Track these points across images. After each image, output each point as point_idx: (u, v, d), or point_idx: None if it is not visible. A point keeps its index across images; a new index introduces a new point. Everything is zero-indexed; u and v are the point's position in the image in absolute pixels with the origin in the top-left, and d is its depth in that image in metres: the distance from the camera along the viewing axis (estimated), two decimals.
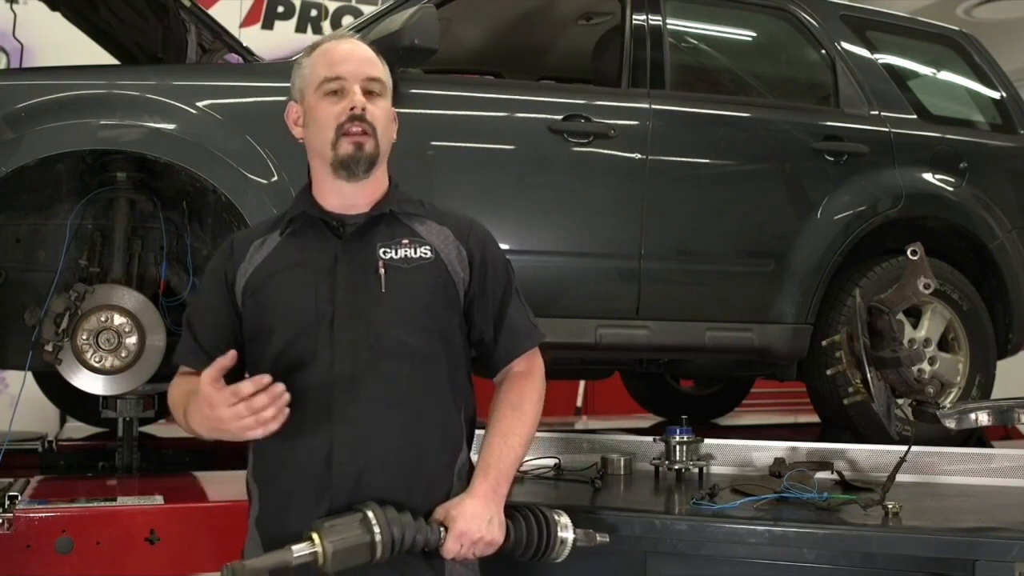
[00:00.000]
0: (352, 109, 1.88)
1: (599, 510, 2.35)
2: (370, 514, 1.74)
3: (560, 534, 1.95)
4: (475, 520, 1.82)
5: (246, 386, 1.68)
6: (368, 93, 1.91)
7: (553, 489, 2.73)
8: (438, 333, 1.91)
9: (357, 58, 1.94)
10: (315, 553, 1.70)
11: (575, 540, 1.96)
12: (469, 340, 2.00)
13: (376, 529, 1.73)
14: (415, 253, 1.92)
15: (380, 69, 1.96)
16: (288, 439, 1.82)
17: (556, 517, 1.96)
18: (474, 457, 1.97)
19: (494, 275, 1.99)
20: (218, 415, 1.71)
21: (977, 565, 1.99)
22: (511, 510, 1.92)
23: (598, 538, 2.02)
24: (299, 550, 1.70)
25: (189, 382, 1.92)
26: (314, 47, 1.99)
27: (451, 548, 1.81)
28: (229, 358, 1.73)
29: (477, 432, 2.00)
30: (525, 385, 1.98)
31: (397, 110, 2.03)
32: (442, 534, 1.81)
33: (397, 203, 1.97)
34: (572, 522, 1.98)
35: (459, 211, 2.06)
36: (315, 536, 1.71)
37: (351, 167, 1.89)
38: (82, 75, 2.99)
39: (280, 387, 1.70)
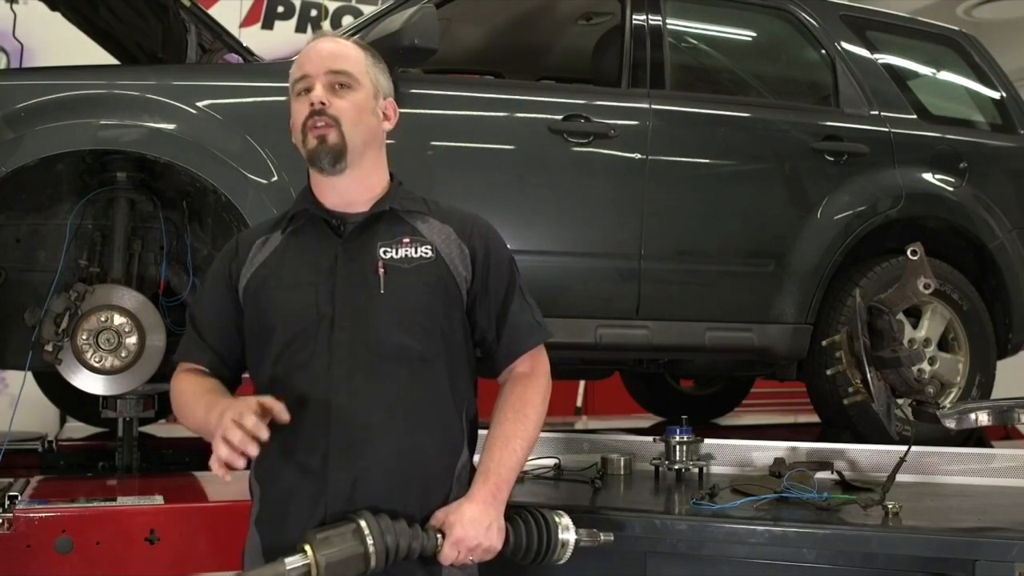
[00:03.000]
0: (311, 105, 1.88)
1: (599, 510, 2.35)
2: (363, 524, 1.72)
3: (561, 536, 1.93)
4: (472, 526, 1.80)
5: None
6: (337, 87, 1.90)
7: (553, 489, 2.73)
8: (438, 334, 1.90)
9: (324, 54, 1.93)
10: (308, 565, 1.69)
11: (577, 541, 1.95)
12: (472, 339, 1.99)
13: (369, 540, 1.71)
14: (415, 252, 1.91)
15: (351, 61, 1.93)
16: (287, 440, 1.82)
17: (556, 519, 1.94)
18: (476, 459, 1.95)
19: (496, 273, 1.97)
20: (223, 422, 1.70)
21: (977, 565, 1.99)
22: (511, 513, 1.90)
23: (602, 537, 2.00)
24: (292, 563, 1.69)
25: (202, 382, 1.93)
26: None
27: (448, 555, 1.80)
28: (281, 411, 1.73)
29: (480, 432, 1.98)
30: (527, 387, 1.96)
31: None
32: (439, 541, 1.79)
33: (399, 200, 1.96)
34: (574, 522, 1.96)
35: (463, 208, 2.05)
36: (308, 548, 1.69)
37: (316, 161, 1.89)
38: (82, 75, 2.99)
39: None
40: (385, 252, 1.90)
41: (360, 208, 1.94)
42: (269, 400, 1.73)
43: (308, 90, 1.90)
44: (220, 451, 1.67)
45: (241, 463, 1.69)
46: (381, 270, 1.88)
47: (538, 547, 1.91)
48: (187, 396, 1.93)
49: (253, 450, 1.67)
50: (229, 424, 1.67)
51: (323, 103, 1.88)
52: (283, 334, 1.88)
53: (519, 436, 1.90)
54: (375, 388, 1.84)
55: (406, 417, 1.85)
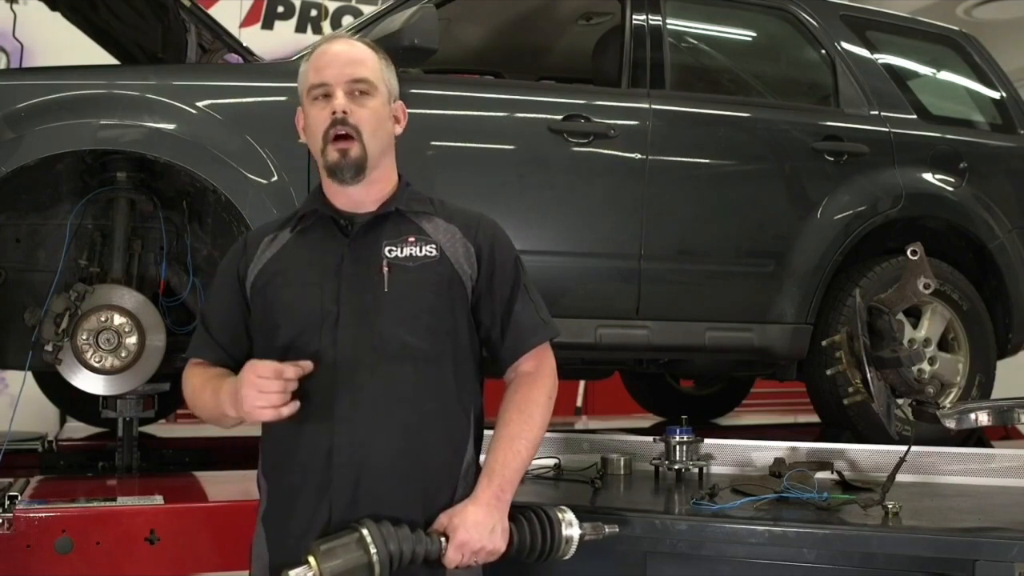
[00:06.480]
0: (333, 114, 1.88)
1: (599, 510, 2.35)
2: (366, 532, 1.73)
3: (565, 532, 1.93)
4: (476, 529, 1.80)
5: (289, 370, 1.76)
6: (356, 94, 1.91)
7: (553, 489, 2.73)
8: (443, 333, 1.90)
9: (342, 60, 1.93)
10: None
11: (582, 535, 1.95)
12: (478, 337, 1.99)
13: (373, 549, 1.71)
14: (420, 252, 1.91)
15: (369, 68, 1.94)
16: (293, 437, 1.83)
17: (560, 515, 1.95)
18: (482, 458, 1.95)
19: (501, 272, 1.98)
20: (247, 386, 1.76)
21: (977, 565, 1.99)
22: (514, 512, 1.90)
23: (606, 530, 2.01)
24: (296, 575, 1.69)
25: (209, 370, 1.96)
26: (313, 49, 2.00)
27: (452, 558, 1.80)
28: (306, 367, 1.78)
29: (486, 432, 1.98)
30: (532, 386, 1.96)
31: None
32: (443, 544, 1.79)
33: (405, 201, 1.97)
34: (577, 517, 1.96)
35: (469, 208, 2.05)
36: (311, 560, 1.70)
37: (337, 174, 1.90)
38: (82, 75, 2.99)
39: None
40: (390, 251, 1.90)
41: (369, 208, 1.95)
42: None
43: (327, 96, 1.91)
44: (260, 403, 1.74)
45: (280, 401, 1.74)
46: (386, 269, 1.88)
47: (542, 545, 1.91)
48: (195, 386, 1.95)
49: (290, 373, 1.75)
50: (250, 387, 1.74)
51: (345, 112, 1.88)
52: (288, 331, 1.89)
53: (523, 437, 1.90)
54: (379, 386, 1.84)
55: (410, 416, 1.85)
